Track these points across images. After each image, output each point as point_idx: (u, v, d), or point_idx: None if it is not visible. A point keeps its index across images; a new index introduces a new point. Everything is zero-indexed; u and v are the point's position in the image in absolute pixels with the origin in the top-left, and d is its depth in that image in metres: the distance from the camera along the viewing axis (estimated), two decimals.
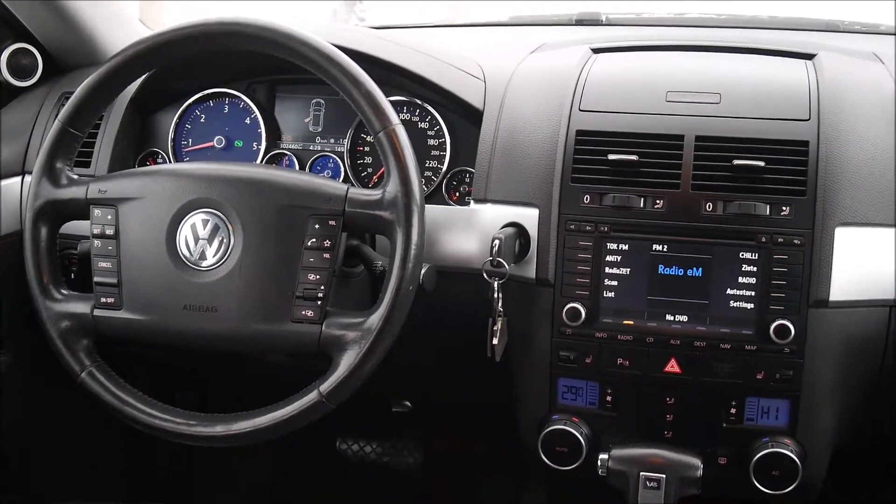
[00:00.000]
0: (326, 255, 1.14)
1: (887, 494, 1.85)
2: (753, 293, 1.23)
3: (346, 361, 1.13)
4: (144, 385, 1.28)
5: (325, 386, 1.13)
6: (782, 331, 1.21)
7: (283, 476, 2.11)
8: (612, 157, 1.25)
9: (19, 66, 1.53)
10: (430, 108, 1.43)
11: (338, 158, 1.47)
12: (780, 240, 1.22)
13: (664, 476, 1.22)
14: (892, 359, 1.29)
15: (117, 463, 1.82)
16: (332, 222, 1.14)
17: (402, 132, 1.13)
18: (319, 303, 1.14)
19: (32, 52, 1.54)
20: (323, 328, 1.13)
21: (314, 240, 1.14)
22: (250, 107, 1.48)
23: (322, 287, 1.14)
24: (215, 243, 1.16)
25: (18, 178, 1.49)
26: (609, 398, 1.32)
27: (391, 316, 1.12)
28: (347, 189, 1.15)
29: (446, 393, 1.78)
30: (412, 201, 1.12)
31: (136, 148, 1.50)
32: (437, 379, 1.66)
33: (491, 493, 2.03)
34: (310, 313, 1.14)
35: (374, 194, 1.14)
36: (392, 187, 1.12)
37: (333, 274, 1.16)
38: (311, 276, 1.14)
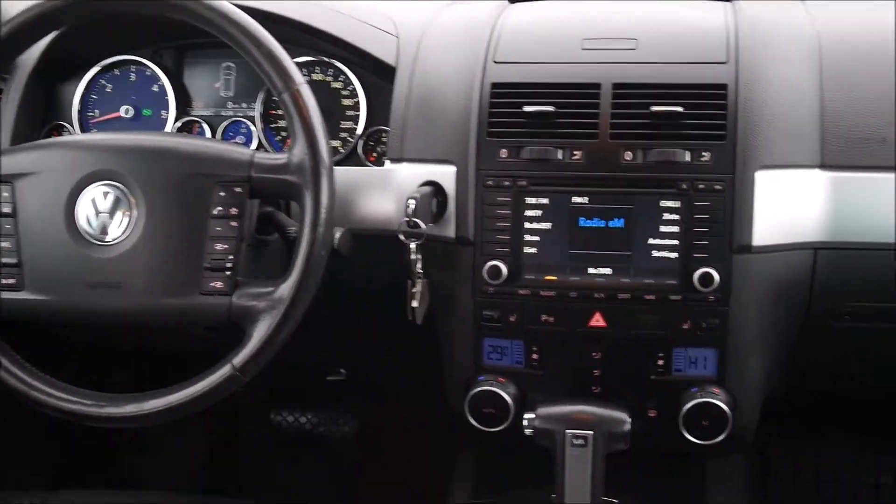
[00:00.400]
0: (234, 224, 1.12)
1: (818, 442, 1.89)
2: (676, 242, 1.22)
3: (259, 333, 1.11)
4: (76, 368, 1.28)
5: (239, 359, 1.11)
6: (706, 279, 1.21)
7: (218, 449, 2.11)
8: (527, 108, 1.23)
9: None
10: (342, 66, 1.40)
11: (250, 123, 1.44)
12: (700, 186, 1.21)
13: (591, 433, 1.20)
14: (818, 303, 1.30)
15: (52, 447, 1.83)
16: (238, 189, 1.12)
17: (307, 92, 1.10)
18: (229, 273, 1.12)
19: None
20: (233, 299, 1.12)
21: (220, 208, 1.12)
22: (157, 74, 1.44)
23: (231, 257, 1.12)
24: (117, 216, 1.13)
25: None
26: (535, 356, 1.31)
27: (303, 283, 1.10)
28: (253, 154, 1.13)
29: (378, 360, 1.77)
30: (320, 164, 1.10)
31: (41, 121, 1.46)
32: (367, 346, 1.65)
33: (427, 459, 2.03)
34: (219, 284, 1.12)
35: (279, 158, 1.12)
36: (298, 150, 1.10)
37: (243, 242, 1.14)
38: (219, 246, 1.12)
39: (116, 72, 1.45)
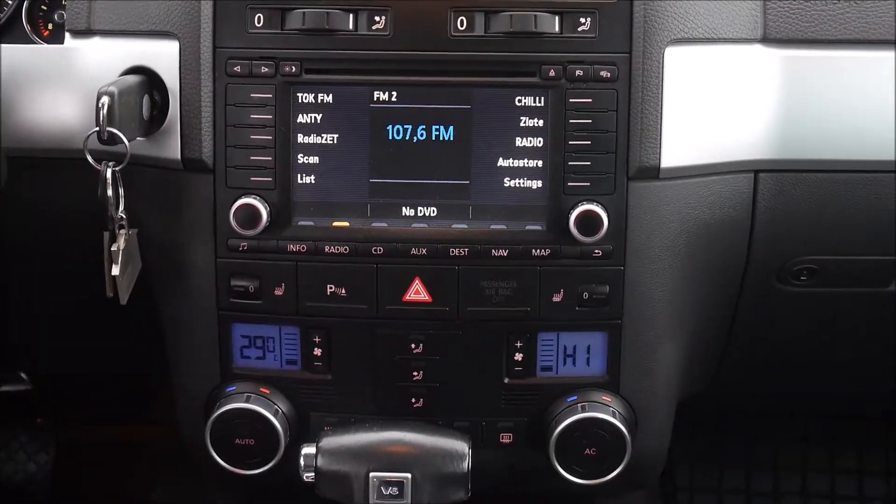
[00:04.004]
0: None
1: (745, 460, 1.81)
2: (541, 163, 1.04)
3: None
4: None
5: None
6: (589, 221, 1.02)
7: None
8: None
9: None
10: None
11: None
12: (578, 72, 1.02)
13: (408, 475, 0.99)
14: (760, 256, 1.14)
15: None
16: None
17: None
18: None
19: None
20: None
21: None
22: None
23: None
24: None
25: None
26: (317, 351, 1.11)
27: None
28: None
29: (76, 358, 1.53)
30: None
31: None
32: (61, 336, 1.44)
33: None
34: None
35: None
36: None
37: None
38: None
39: None
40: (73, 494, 1.87)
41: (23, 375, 1.61)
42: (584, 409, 1.07)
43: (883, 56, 1.10)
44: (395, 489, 1.00)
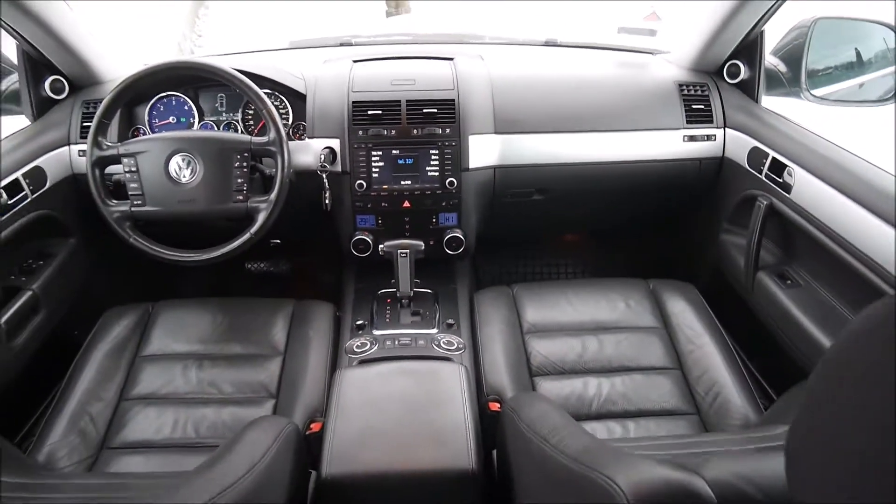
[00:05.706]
0: (245, 170, 1.83)
1: (496, 252, 2.86)
2: (437, 167, 2.02)
3: (261, 217, 1.84)
4: (173, 242, 1.93)
5: (253, 230, 1.84)
6: (451, 183, 2.02)
7: (217, 282, 2.79)
8: (370, 112, 2.02)
9: (54, 88, 2.21)
10: (280, 94, 2.18)
11: (235, 123, 2.21)
12: (447, 143, 2.02)
13: (408, 250, 2.00)
14: (497, 192, 2.13)
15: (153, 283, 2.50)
16: (246, 154, 1.83)
17: (272, 108, 1.84)
18: (245, 190, 1.85)
19: (61, 80, 2.19)
20: (248, 204, 1.84)
21: (237, 163, 1.83)
22: (187, 100, 2.17)
23: (245, 184, 1.84)
24: (188, 170, 1.82)
25: (65, 147, 2.13)
26: (380, 221, 2.12)
27: (279, 194, 1.84)
28: (251, 138, 1.86)
29: (303, 233, 2.41)
30: (283, 141, 1.85)
31: (129, 126, 2.19)
32: (298, 225, 2.20)
33: (327, 276, 2.76)
34: (240, 197, 1.83)
35: (264, 139, 1.84)
36: (272, 135, 1.84)
37: (248, 177, 1.84)
38: (239, 180, 1.84)
39: (165, 100, 2.19)
40: (300, 279, 2.82)
41: (277, 241, 2.52)
42: (451, 233, 2.00)
43: (543, 136, 2.01)
44: (405, 253, 1.93)
